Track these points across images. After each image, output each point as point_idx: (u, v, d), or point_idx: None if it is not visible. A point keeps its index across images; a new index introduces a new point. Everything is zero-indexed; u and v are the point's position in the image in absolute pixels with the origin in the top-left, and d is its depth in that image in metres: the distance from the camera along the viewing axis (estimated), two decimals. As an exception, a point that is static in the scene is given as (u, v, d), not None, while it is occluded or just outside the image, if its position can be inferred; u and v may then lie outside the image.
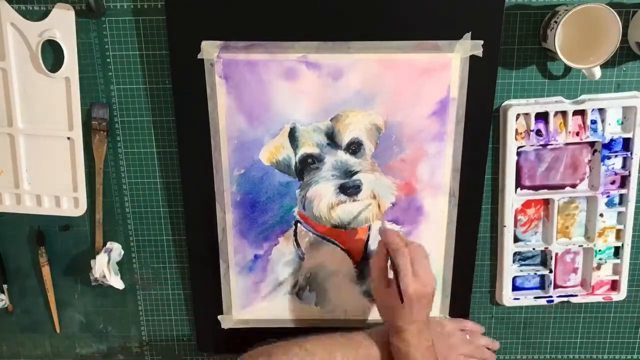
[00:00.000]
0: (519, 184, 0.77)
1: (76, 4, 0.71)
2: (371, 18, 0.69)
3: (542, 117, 0.73)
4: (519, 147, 0.74)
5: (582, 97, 0.73)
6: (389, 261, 0.70)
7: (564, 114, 0.73)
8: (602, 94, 0.74)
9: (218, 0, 0.69)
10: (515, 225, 0.79)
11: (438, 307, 0.81)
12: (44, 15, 0.71)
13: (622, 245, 0.79)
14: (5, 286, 0.83)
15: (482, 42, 0.70)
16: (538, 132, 0.74)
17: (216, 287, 0.81)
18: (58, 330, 0.86)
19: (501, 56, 0.72)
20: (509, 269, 0.80)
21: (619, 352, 0.86)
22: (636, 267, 0.81)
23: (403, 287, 0.66)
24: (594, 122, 0.74)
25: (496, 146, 0.76)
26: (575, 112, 0.73)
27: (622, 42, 0.69)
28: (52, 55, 0.73)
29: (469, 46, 0.70)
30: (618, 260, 0.79)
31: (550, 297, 0.81)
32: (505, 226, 0.78)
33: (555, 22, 0.66)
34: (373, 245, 0.79)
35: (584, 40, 0.69)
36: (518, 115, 0.73)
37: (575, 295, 0.81)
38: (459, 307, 0.82)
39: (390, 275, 0.70)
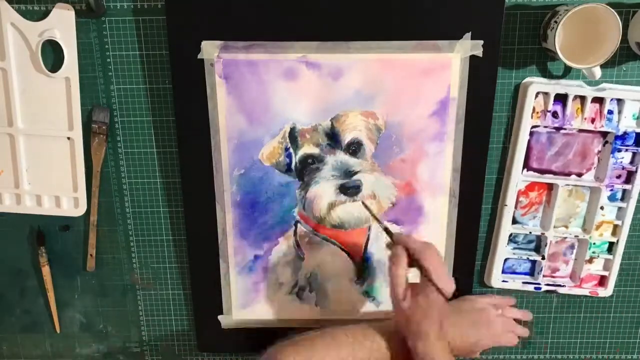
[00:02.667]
0: (526, 165, 0.76)
1: (76, 4, 0.71)
2: (371, 18, 0.69)
3: (561, 100, 0.73)
4: (533, 127, 0.74)
5: (604, 85, 0.73)
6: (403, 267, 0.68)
7: (582, 99, 0.73)
8: (624, 85, 0.73)
9: (218, 0, 0.69)
10: (516, 207, 0.79)
11: (438, 307, 0.81)
12: (44, 15, 0.71)
13: (617, 241, 0.79)
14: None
15: (482, 42, 0.70)
16: (554, 114, 0.73)
17: (216, 287, 0.81)
18: (58, 330, 0.86)
19: (501, 56, 0.72)
20: (503, 249, 0.80)
21: (619, 352, 0.86)
22: (630, 265, 0.81)
23: (443, 285, 0.64)
24: (610, 112, 0.74)
25: (507, 133, 0.76)
26: (594, 100, 0.73)
27: (622, 42, 0.68)
28: (52, 55, 0.73)
29: (469, 46, 0.70)
30: (610, 256, 0.79)
31: (539, 284, 0.81)
32: (506, 205, 0.77)
33: (555, 22, 0.66)
34: (373, 245, 0.79)
35: (584, 40, 0.69)
36: (537, 94, 0.73)
37: (563, 286, 0.81)
38: (459, 307, 0.82)
39: (413, 280, 0.68)
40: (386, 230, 0.73)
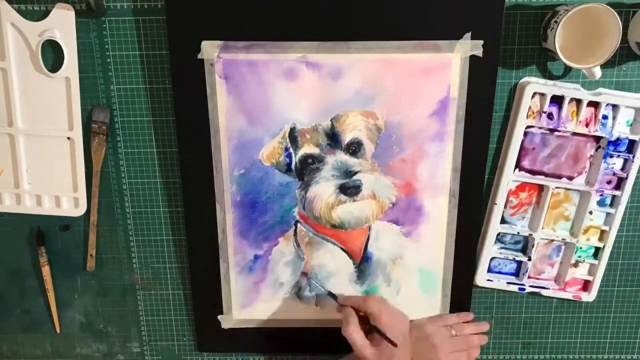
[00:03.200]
0: (518, 165, 0.77)
1: (76, 4, 0.71)
2: (371, 18, 0.69)
3: (557, 101, 0.73)
4: (527, 127, 0.74)
5: (600, 89, 0.73)
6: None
7: (578, 103, 0.73)
8: (619, 91, 0.74)
9: (218, 0, 0.69)
10: (505, 207, 0.79)
11: (438, 307, 0.81)
12: (44, 15, 0.71)
13: (603, 247, 0.79)
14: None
15: (482, 42, 0.70)
16: (549, 115, 0.74)
17: (216, 287, 0.81)
18: (58, 330, 0.86)
19: (501, 56, 0.72)
20: (490, 248, 0.80)
21: (619, 352, 0.86)
22: (611, 270, 0.81)
23: (391, 333, 0.69)
24: (605, 117, 0.74)
25: (502, 134, 0.76)
26: (589, 104, 0.73)
27: (622, 42, 0.68)
28: (52, 55, 0.73)
29: (469, 46, 0.70)
30: (596, 262, 0.79)
31: (523, 285, 0.81)
32: (496, 204, 0.77)
33: (555, 22, 0.66)
34: (373, 245, 0.79)
35: (584, 40, 0.69)
36: (534, 95, 0.73)
37: (547, 289, 0.81)
38: (459, 307, 0.82)
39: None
40: (330, 294, 0.78)
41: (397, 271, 0.80)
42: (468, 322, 0.81)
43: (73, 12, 0.71)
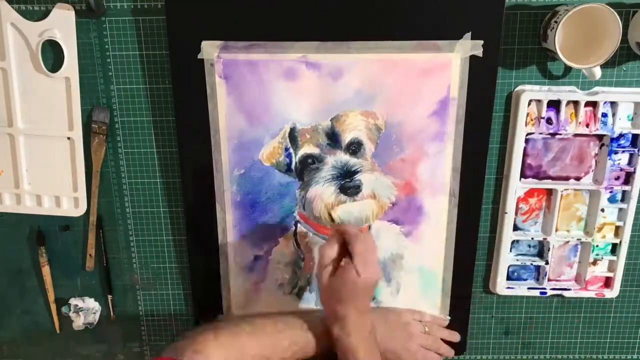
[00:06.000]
0: (523, 172, 0.77)
1: (76, 4, 0.71)
2: (371, 18, 0.69)
3: (554, 105, 0.73)
4: (527, 134, 0.74)
5: (596, 88, 0.73)
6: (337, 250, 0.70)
7: (575, 104, 0.73)
8: (615, 87, 0.74)
9: (218, 0, 0.69)
10: (516, 214, 0.79)
11: (438, 307, 0.81)
12: (44, 15, 0.71)
13: (620, 242, 0.79)
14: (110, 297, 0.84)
15: (482, 42, 0.70)
16: (548, 120, 0.74)
17: (216, 287, 0.81)
18: (58, 330, 0.86)
19: (501, 56, 0.72)
20: (506, 257, 0.80)
21: (618, 352, 0.86)
22: (631, 265, 0.81)
23: (362, 268, 0.66)
24: (604, 115, 0.74)
25: (505, 134, 0.76)
26: (587, 104, 0.73)
27: (622, 42, 0.68)
28: (52, 55, 0.73)
29: (469, 46, 0.70)
30: (614, 258, 0.80)
31: (544, 289, 0.81)
32: (506, 213, 0.77)
33: (556, 22, 0.66)
34: (373, 245, 0.79)
35: (584, 40, 0.69)
36: (530, 102, 0.73)
37: (569, 290, 0.81)
38: (459, 307, 0.82)
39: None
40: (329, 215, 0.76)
41: (397, 271, 0.80)
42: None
43: (73, 12, 0.71)
